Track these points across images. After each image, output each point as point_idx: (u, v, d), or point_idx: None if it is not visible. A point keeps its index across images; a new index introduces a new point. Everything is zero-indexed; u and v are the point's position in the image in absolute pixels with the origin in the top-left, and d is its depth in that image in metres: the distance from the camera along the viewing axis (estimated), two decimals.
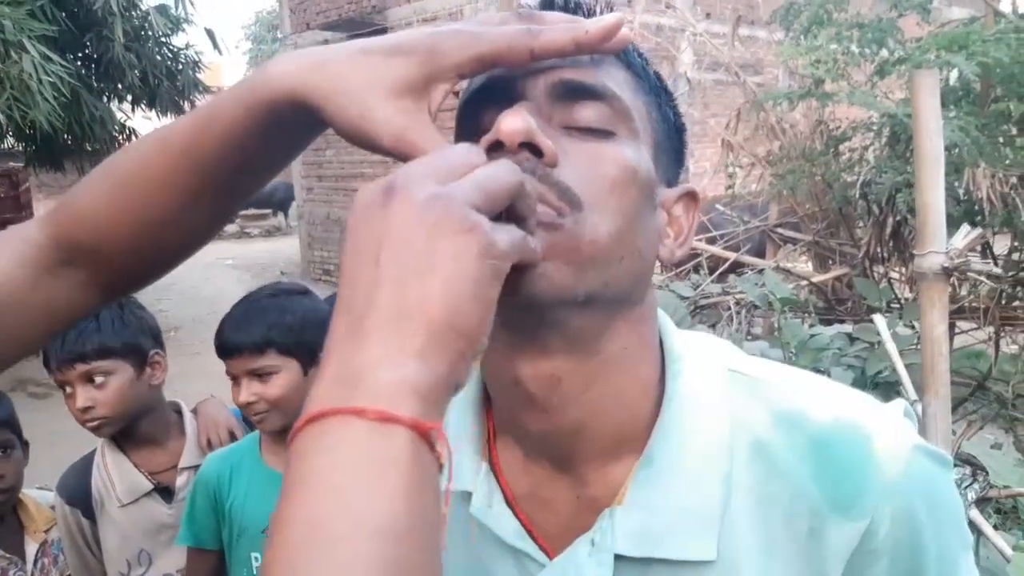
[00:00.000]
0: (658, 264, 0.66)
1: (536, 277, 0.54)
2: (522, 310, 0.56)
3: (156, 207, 0.62)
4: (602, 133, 0.59)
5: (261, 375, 1.55)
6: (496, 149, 0.55)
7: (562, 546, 0.64)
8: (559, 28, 0.55)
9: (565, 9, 0.62)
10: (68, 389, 1.66)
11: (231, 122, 0.57)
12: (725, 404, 0.64)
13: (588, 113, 0.58)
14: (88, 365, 1.63)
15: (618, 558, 0.61)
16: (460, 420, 0.71)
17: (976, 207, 3.01)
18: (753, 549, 0.61)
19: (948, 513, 0.62)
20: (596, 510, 0.64)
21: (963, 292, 3.33)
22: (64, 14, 7.39)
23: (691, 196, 0.68)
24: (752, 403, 0.64)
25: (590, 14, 0.62)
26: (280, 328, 1.57)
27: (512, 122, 0.54)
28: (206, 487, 1.62)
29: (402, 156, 0.53)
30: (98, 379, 1.64)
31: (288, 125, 0.58)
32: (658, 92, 0.66)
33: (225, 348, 1.58)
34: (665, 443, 0.63)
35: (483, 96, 0.60)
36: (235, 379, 1.58)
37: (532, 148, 0.55)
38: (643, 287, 0.63)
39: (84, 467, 1.81)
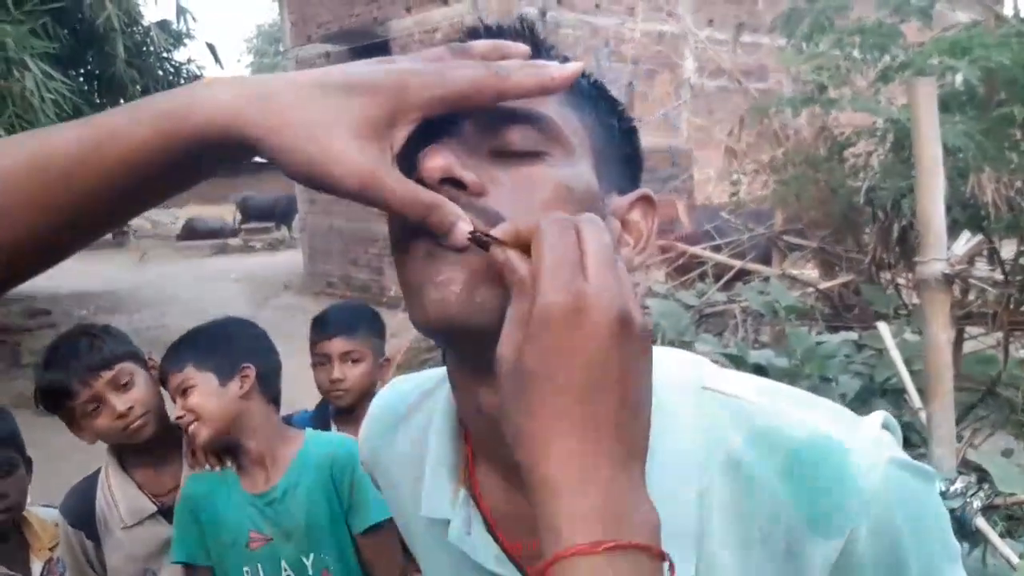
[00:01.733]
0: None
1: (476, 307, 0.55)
2: (472, 341, 0.57)
3: (17, 231, 0.52)
4: (532, 155, 0.59)
5: (184, 391, 1.65)
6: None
7: None
8: (527, 72, 0.56)
9: (492, 37, 0.62)
10: (91, 408, 1.67)
11: (134, 147, 0.51)
12: (699, 422, 0.64)
13: (515, 137, 0.59)
14: (113, 370, 1.68)
15: None
16: (438, 447, 0.70)
17: (981, 212, 3.00)
18: (731, 567, 0.60)
19: (929, 525, 0.61)
20: None
21: (971, 297, 3.31)
22: (65, 31, 7.46)
23: (647, 200, 0.68)
24: (726, 421, 0.64)
25: (529, 40, 0.62)
26: (194, 346, 1.70)
27: (432, 161, 0.55)
28: (185, 502, 1.68)
29: (368, 200, 0.53)
30: (125, 382, 1.70)
31: (208, 157, 0.54)
32: (595, 101, 0.65)
33: (161, 378, 1.72)
34: None
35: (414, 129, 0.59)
36: (175, 401, 1.69)
37: (456, 183, 0.56)
38: None
39: (88, 488, 1.80)
